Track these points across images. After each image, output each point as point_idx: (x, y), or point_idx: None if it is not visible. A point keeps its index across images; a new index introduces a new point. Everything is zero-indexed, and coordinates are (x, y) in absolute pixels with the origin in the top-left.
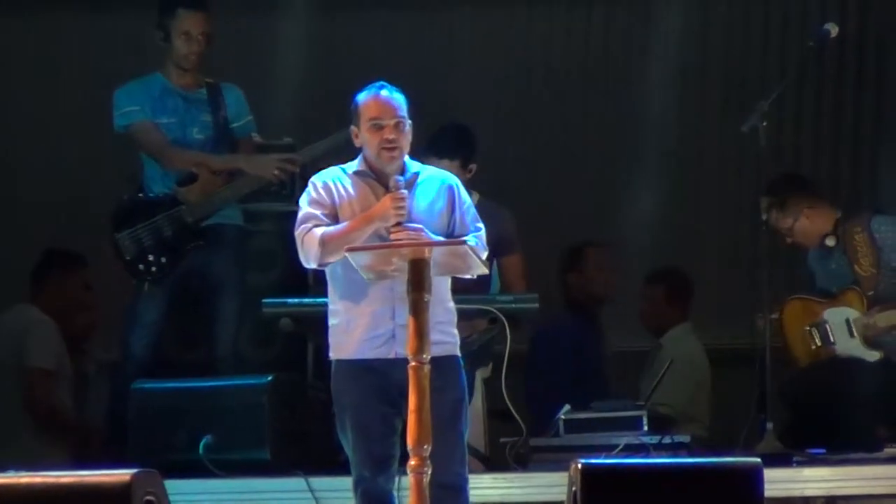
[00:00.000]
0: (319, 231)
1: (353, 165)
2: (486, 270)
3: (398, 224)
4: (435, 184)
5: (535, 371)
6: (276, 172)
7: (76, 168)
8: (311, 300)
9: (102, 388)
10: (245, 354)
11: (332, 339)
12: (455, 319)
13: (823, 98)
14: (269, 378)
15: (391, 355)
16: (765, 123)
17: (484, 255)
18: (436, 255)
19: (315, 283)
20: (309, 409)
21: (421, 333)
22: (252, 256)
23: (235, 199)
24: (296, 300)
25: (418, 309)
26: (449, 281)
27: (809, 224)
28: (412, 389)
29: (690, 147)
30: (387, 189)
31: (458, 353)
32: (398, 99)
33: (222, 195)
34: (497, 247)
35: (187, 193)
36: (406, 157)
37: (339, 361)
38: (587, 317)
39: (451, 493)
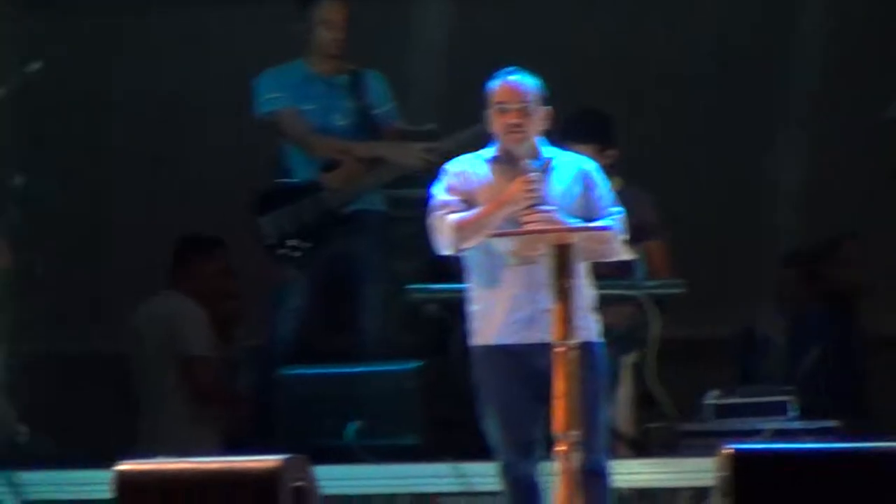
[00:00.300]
0: (453, 217)
1: (489, 152)
2: (630, 255)
3: (530, 207)
4: (570, 168)
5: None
6: (418, 161)
7: (220, 154)
8: (456, 286)
9: (249, 374)
10: (392, 340)
11: (473, 324)
12: (593, 304)
13: None
14: (419, 363)
15: (531, 340)
16: None
17: (622, 239)
18: (578, 240)
19: (460, 268)
20: (457, 394)
21: (567, 319)
22: (397, 242)
23: (379, 186)
24: (441, 286)
25: (563, 294)
26: (588, 266)
27: None
28: (559, 375)
29: (830, 135)
30: (521, 174)
31: (599, 338)
32: (526, 84)
33: (365, 182)
34: (639, 232)
35: (331, 179)
36: (541, 143)
37: (479, 347)
38: (844, 308)
39: (595, 479)
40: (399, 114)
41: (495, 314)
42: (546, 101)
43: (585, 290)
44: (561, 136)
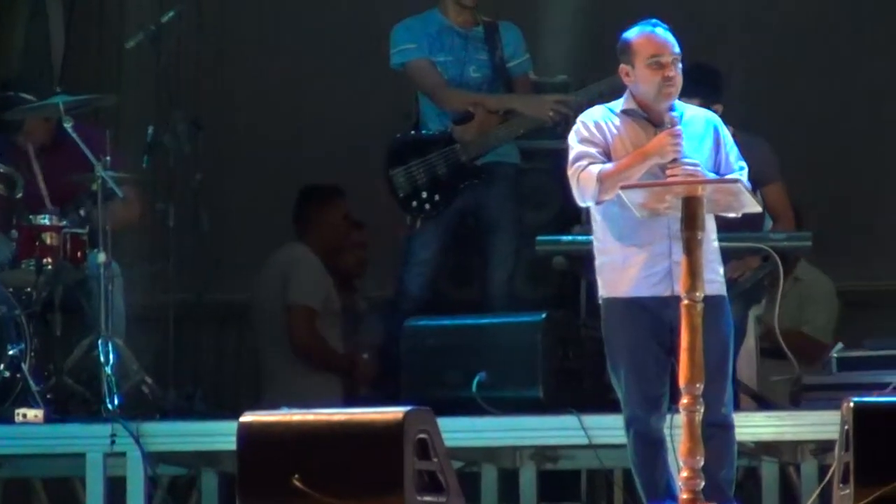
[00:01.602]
0: (596, 168)
1: (619, 104)
2: (758, 208)
3: (675, 160)
4: (700, 122)
5: None
6: (550, 113)
7: (353, 104)
8: (584, 238)
9: (375, 325)
10: (519, 292)
11: (604, 276)
12: (720, 258)
13: None
14: (543, 316)
15: (668, 293)
16: None
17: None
18: (707, 193)
19: (587, 220)
20: (582, 347)
21: (694, 272)
22: (527, 194)
23: (511, 139)
24: (570, 238)
25: (692, 247)
26: (714, 219)
27: None
28: (685, 327)
29: None
30: (656, 127)
31: (725, 292)
32: (672, 36)
33: (498, 134)
34: (758, 177)
35: (463, 132)
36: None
37: (612, 300)
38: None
39: (720, 432)
40: (532, 65)
41: (632, 267)
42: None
43: (714, 244)
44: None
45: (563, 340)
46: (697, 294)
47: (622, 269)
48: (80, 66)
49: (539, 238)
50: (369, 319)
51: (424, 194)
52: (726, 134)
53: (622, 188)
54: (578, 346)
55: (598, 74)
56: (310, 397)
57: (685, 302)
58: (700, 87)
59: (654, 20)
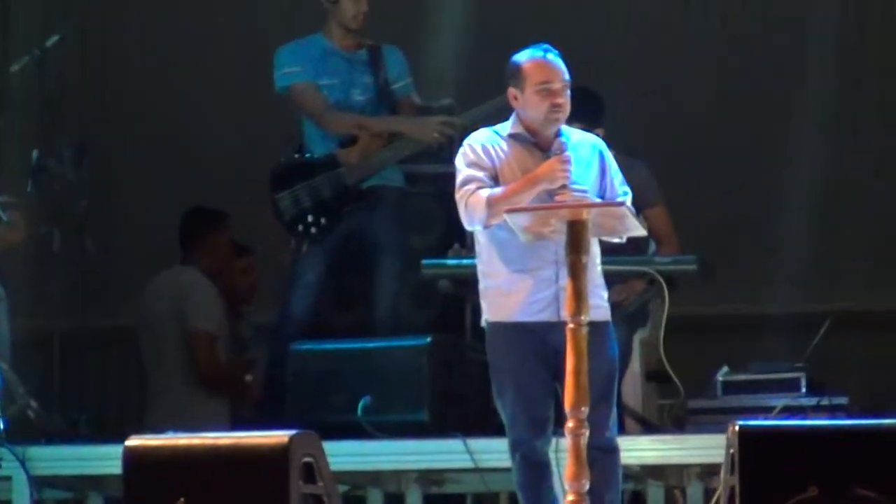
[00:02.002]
0: (485, 193)
1: (506, 127)
2: (643, 231)
3: (564, 186)
4: (586, 147)
5: None
6: (435, 135)
7: (237, 129)
8: (469, 261)
9: (260, 349)
10: (404, 316)
11: (489, 300)
12: (604, 283)
13: None
14: (428, 339)
15: (554, 318)
16: None
17: (636, 220)
18: (592, 217)
19: (470, 243)
20: (467, 370)
21: (579, 295)
22: (412, 217)
23: (395, 161)
24: (455, 261)
25: (577, 271)
26: (598, 244)
27: None
28: (570, 351)
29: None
30: (543, 152)
31: (610, 317)
32: (562, 63)
33: (382, 157)
34: (640, 201)
35: (347, 155)
36: None
37: (497, 324)
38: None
39: (605, 455)
40: (416, 89)
41: (519, 291)
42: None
43: (598, 269)
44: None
45: (448, 364)
46: (583, 318)
47: (508, 294)
48: None
49: (424, 261)
50: (254, 343)
51: (310, 217)
52: (611, 159)
53: (507, 212)
54: (464, 370)
55: (481, 98)
56: (196, 421)
57: (570, 326)
58: (583, 111)
59: (545, 45)
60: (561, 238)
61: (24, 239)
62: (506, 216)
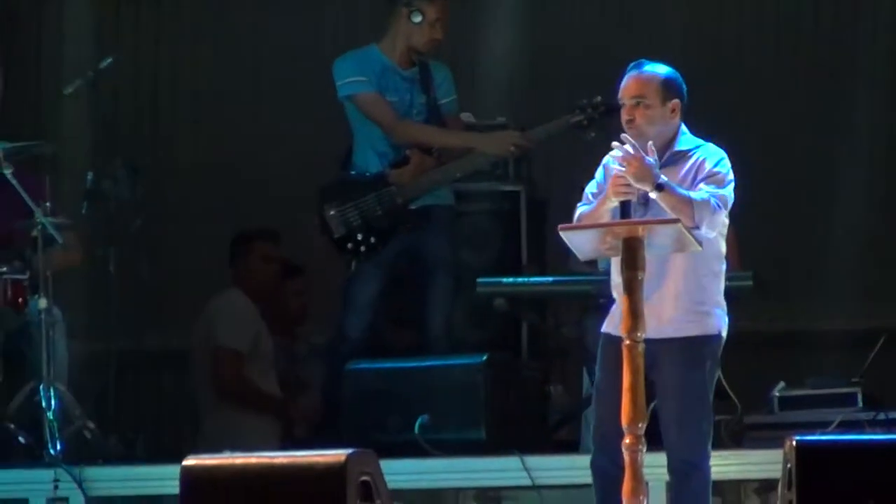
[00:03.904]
0: (580, 210)
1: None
2: (697, 248)
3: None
4: (694, 159)
5: None
6: (511, 150)
7: (289, 148)
8: (525, 279)
9: (316, 369)
10: (459, 335)
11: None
12: (711, 295)
13: None
14: (484, 357)
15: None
16: None
17: (716, 217)
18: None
19: (529, 262)
20: (523, 388)
21: (636, 313)
22: (466, 236)
23: (447, 182)
24: (510, 280)
25: (632, 287)
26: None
27: None
28: (627, 368)
29: None
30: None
31: (706, 332)
32: (645, 77)
33: (433, 177)
34: None
35: (398, 175)
36: (681, 134)
37: (603, 334)
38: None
39: (685, 476)
40: (468, 107)
41: (613, 303)
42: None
43: (702, 281)
44: None
45: (504, 382)
46: (638, 335)
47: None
48: (19, 112)
49: (479, 280)
50: (309, 363)
51: (359, 236)
52: (711, 166)
53: (561, 230)
54: (520, 388)
55: (535, 116)
56: (246, 441)
57: (626, 342)
58: None
59: (641, 61)
60: (671, 251)
61: (80, 261)
62: (562, 234)
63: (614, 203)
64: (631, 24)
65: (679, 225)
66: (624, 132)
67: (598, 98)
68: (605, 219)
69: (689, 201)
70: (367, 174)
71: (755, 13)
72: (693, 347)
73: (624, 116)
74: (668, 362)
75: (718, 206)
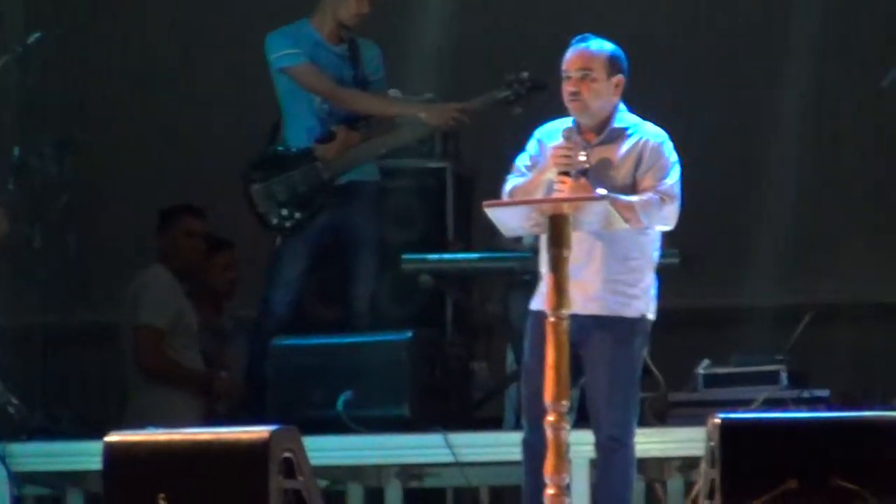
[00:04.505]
0: (511, 184)
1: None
2: (625, 226)
3: (566, 174)
4: (635, 139)
5: None
6: (452, 122)
7: (217, 124)
8: (450, 256)
9: (241, 344)
10: (384, 311)
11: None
12: (641, 279)
13: None
14: (409, 334)
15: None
16: None
17: (665, 210)
18: (574, 212)
19: (454, 239)
20: (448, 365)
21: (560, 289)
22: (392, 213)
23: (372, 158)
24: (436, 256)
25: (558, 265)
26: (639, 238)
27: None
28: (550, 345)
29: (832, 103)
30: (584, 140)
31: (635, 313)
32: (593, 51)
33: (359, 153)
34: None
35: (325, 151)
36: (619, 112)
37: (531, 312)
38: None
39: (611, 452)
40: (390, 83)
41: (539, 280)
42: (619, 68)
43: (631, 263)
44: None
45: (429, 359)
46: (563, 311)
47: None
48: None
49: (405, 256)
50: (235, 339)
51: (284, 211)
52: (660, 150)
53: (486, 207)
54: (445, 365)
55: (463, 93)
56: (171, 417)
57: (551, 319)
58: None
59: (587, 35)
60: (598, 228)
61: (5, 236)
62: (486, 211)
63: (551, 175)
64: (559, 2)
65: (606, 202)
66: (556, 109)
67: (525, 74)
68: (540, 191)
69: (632, 206)
70: (294, 149)
71: None
72: (623, 326)
73: (569, 88)
74: (598, 339)
75: (664, 200)
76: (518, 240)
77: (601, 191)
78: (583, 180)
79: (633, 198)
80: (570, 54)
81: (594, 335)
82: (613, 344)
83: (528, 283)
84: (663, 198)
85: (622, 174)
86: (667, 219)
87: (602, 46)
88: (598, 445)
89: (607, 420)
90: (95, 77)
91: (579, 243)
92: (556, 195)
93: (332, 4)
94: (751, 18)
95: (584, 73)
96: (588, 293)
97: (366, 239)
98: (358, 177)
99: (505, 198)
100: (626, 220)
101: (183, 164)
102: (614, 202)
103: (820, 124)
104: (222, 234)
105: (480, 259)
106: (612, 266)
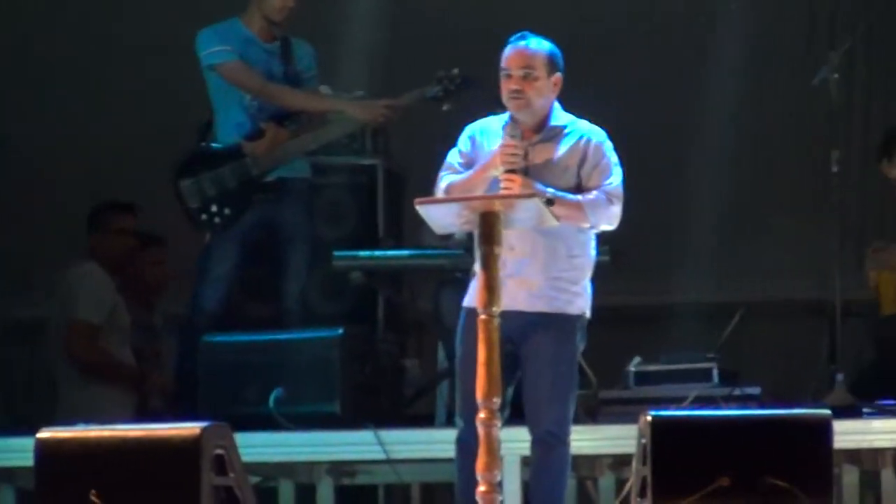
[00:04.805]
0: (447, 181)
1: (506, 116)
2: (555, 223)
3: (512, 171)
4: (575, 137)
5: None
6: (381, 119)
7: (149, 120)
8: (381, 253)
9: (174, 341)
10: (315, 308)
11: (470, 287)
12: (583, 276)
13: (894, 48)
14: (340, 331)
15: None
16: (836, 75)
17: (610, 210)
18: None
19: (385, 235)
20: (379, 362)
21: (491, 287)
22: (323, 209)
23: (301, 154)
24: (367, 253)
25: (489, 262)
26: (580, 235)
27: None
28: (482, 342)
29: (759, 102)
30: (523, 138)
31: (577, 311)
32: (534, 49)
33: (287, 149)
34: None
35: (253, 148)
36: (555, 110)
37: (465, 308)
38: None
39: (549, 449)
40: (328, 82)
41: (476, 278)
42: (557, 67)
43: (575, 261)
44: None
45: (360, 356)
46: (494, 309)
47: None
48: None
49: (335, 253)
50: (166, 336)
51: (213, 207)
52: (602, 150)
53: (417, 204)
54: (376, 362)
55: (393, 90)
56: (103, 413)
57: (482, 317)
58: None
59: (525, 33)
60: (529, 225)
61: None
62: (417, 208)
63: (496, 172)
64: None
65: (537, 199)
66: (486, 105)
67: (456, 71)
68: (480, 189)
69: (580, 205)
70: (223, 146)
71: None
72: (567, 323)
73: (511, 86)
74: (541, 336)
75: (608, 200)
76: (447, 237)
77: (550, 189)
78: (526, 178)
79: (581, 196)
80: (510, 52)
81: (537, 332)
82: (556, 341)
83: (459, 281)
84: (610, 198)
85: (565, 173)
86: (612, 218)
87: (542, 45)
88: (536, 442)
89: (548, 417)
90: (28, 72)
91: (523, 240)
92: (502, 192)
93: (258, 1)
94: (678, 18)
95: (526, 72)
96: (533, 290)
97: (297, 236)
98: (289, 173)
99: (440, 195)
100: (573, 220)
101: (114, 160)
102: (562, 201)
103: (748, 123)
104: (153, 231)
105: (411, 256)
106: (557, 263)
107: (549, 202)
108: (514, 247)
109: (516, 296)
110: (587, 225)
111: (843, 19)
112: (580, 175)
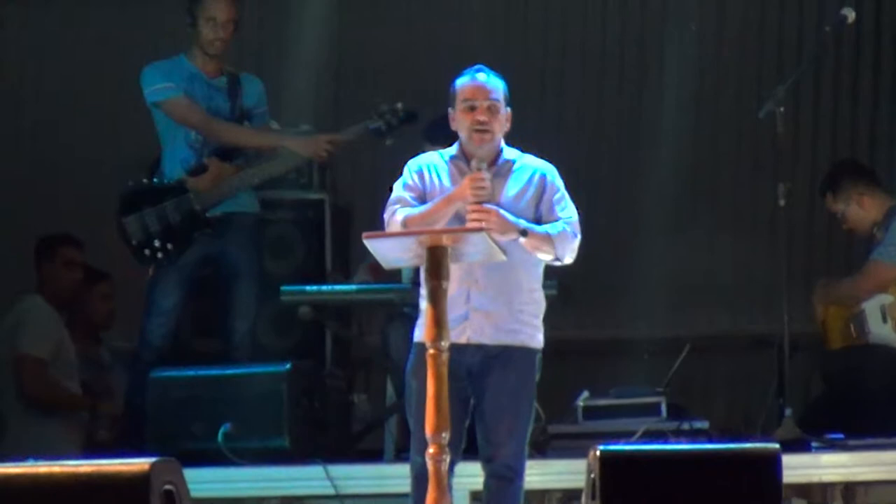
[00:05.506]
0: (403, 213)
1: (451, 151)
2: (503, 258)
3: (478, 204)
4: (528, 172)
5: None
6: (322, 154)
7: (95, 154)
8: (329, 287)
9: (122, 375)
10: (264, 342)
11: (420, 321)
12: (539, 310)
13: (840, 84)
14: (288, 366)
15: (462, 340)
16: (782, 109)
17: (574, 243)
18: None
19: (333, 270)
20: (327, 396)
21: (439, 322)
22: (270, 244)
23: (245, 188)
24: (315, 288)
25: (436, 297)
26: (536, 270)
27: (861, 211)
28: (430, 376)
29: (706, 133)
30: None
31: (534, 345)
32: (494, 83)
33: (231, 184)
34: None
35: (196, 183)
36: (503, 145)
37: (416, 343)
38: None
39: (503, 484)
40: (274, 116)
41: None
42: (509, 101)
43: (535, 295)
44: (420, 136)
45: (308, 390)
46: (443, 343)
47: (425, 315)
48: None
49: (283, 288)
50: (113, 370)
51: (157, 243)
52: (556, 184)
53: (365, 237)
54: (324, 396)
55: (339, 124)
56: (51, 448)
57: (430, 351)
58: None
59: (480, 66)
60: (478, 259)
61: None
62: (365, 242)
63: (462, 205)
64: (436, 37)
65: (485, 234)
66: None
67: (399, 105)
68: (443, 222)
69: (550, 238)
70: (166, 181)
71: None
72: (529, 356)
73: (479, 118)
74: (501, 369)
75: (574, 233)
76: (395, 272)
77: (522, 221)
78: (491, 208)
79: (548, 228)
80: (472, 84)
81: (499, 365)
82: (519, 375)
83: (407, 316)
84: (574, 230)
85: (524, 207)
86: (574, 251)
87: (499, 79)
88: (492, 475)
89: (507, 450)
90: None
91: (488, 274)
92: (469, 225)
93: (195, 37)
94: (625, 49)
95: (491, 104)
96: (498, 323)
97: (243, 271)
98: (235, 208)
99: (398, 228)
100: (542, 252)
101: (60, 193)
102: (533, 233)
103: (695, 157)
104: (100, 265)
105: (359, 291)
106: (520, 296)
107: (524, 233)
108: (478, 280)
109: (482, 329)
110: (551, 257)
111: (790, 53)
112: (539, 209)
